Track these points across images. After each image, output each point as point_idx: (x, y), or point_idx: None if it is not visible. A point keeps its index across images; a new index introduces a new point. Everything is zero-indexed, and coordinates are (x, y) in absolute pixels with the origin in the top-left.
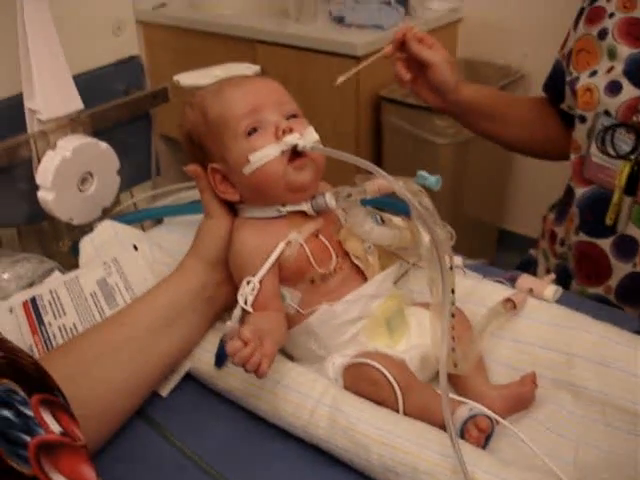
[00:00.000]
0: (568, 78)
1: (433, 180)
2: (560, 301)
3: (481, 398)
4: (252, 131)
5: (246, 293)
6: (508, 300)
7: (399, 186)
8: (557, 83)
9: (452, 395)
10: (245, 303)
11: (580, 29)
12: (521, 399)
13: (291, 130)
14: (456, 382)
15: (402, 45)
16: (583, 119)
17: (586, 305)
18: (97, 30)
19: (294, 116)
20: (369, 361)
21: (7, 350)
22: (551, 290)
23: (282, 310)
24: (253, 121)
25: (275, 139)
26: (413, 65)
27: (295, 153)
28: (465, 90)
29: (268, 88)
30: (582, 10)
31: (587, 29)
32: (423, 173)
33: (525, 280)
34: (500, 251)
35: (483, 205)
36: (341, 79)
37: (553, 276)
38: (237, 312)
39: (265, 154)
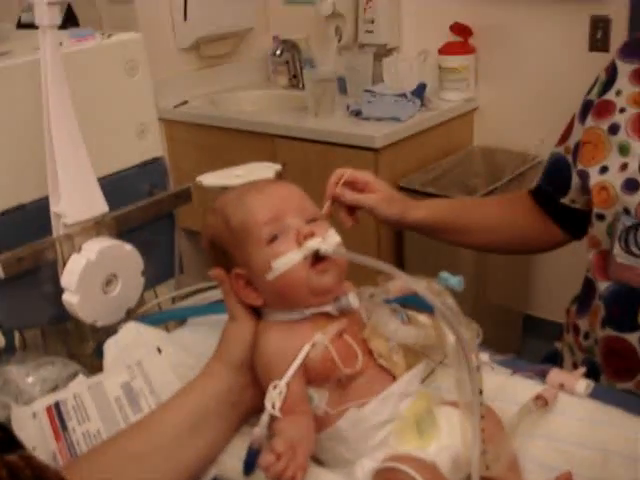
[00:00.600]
0: (575, 171)
1: (455, 281)
2: (592, 395)
3: None
4: (274, 238)
5: (273, 398)
6: (539, 397)
7: (421, 288)
8: (558, 178)
9: None
10: (273, 408)
11: (588, 122)
12: None
13: (312, 234)
14: None
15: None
16: (601, 217)
17: (618, 398)
18: (121, 133)
19: (314, 220)
20: (400, 465)
21: (34, 467)
22: (583, 384)
23: (310, 413)
24: (274, 227)
25: (297, 244)
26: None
27: (317, 257)
28: (415, 214)
29: (289, 194)
30: (588, 103)
31: (596, 122)
32: (445, 274)
33: (556, 375)
34: (526, 337)
35: (507, 291)
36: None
37: (584, 369)
38: (265, 417)
39: (288, 260)
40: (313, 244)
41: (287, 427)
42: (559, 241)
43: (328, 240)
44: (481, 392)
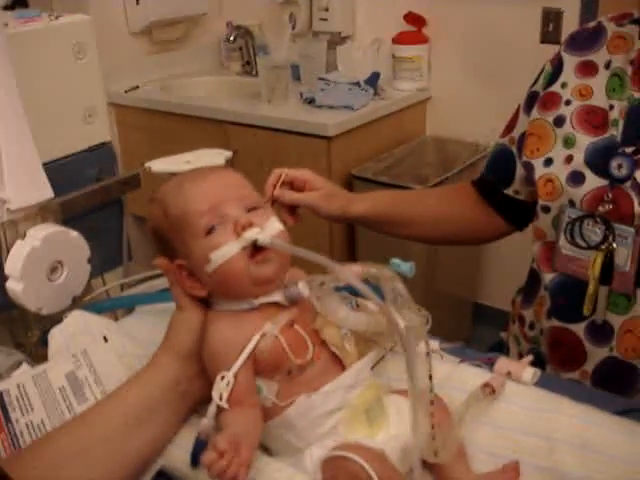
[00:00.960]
0: (520, 162)
1: (407, 267)
2: (538, 383)
3: None
4: (212, 229)
5: (221, 389)
6: (487, 385)
7: (355, 280)
8: (502, 169)
9: None
10: (220, 399)
11: (534, 113)
12: None
13: (251, 224)
14: (438, 471)
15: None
16: (547, 209)
17: (564, 386)
18: (68, 117)
19: (256, 208)
20: (349, 454)
21: None
22: (529, 373)
23: (257, 405)
24: (212, 218)
25: (235, 235)
26: None
27: (257, 247)
28: (356, 208)
29: (228, 182)
30: (534, 94)
31: (541, 114)
32: (396, 260)
33: (503, 363)
34: (476, 325)
35: (458, 280)
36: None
37: (530, 358)
38: (212, 408)
39: (225, 252)
40: (251, 235)
41: (233, 421)
42: (502, 232)
43: (267, 230)
44: (431, 378)
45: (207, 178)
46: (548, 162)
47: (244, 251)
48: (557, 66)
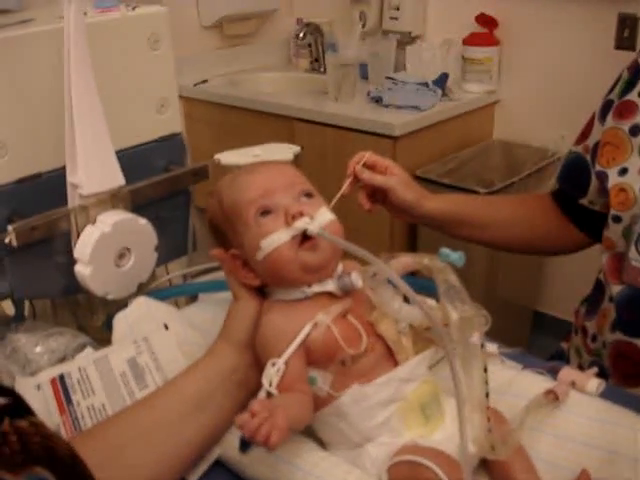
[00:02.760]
0: (594, 171)
1: (456, 256)
2: (603, 395)
3: None
4: (263, 215)
5: (271, 375)
6: (550, 392)
7: (394, 274)
8: (576, 177)
9: None
10: (270, 385)
11: (609, 122)
12: None
13: (301, 214)
14: (504, 478)
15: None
16: (618, 219)
17: (629, 399)
18: (141, 107)
19: (309, 195)
20: (420, 459)
21: (44, 435)
22: (594, 383)
23: (308, 392)
24: (263, 206)
25: (285, 224)
26: (377, 189)
27: (306, 236)
28: (430, 203)
29: (280, 172)
30: (609, 102)
31: (617, 123)
32: (445, 250)
33: (567, 372)
34: (535, 334)
35: (518, 287)
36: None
37: (596, 369)
38: (262, 394)
39: (275, 240)
40: (301, 224)
41: (277, 398)
42: (579, 243)
43: (318, 219)
44: (485, 370)
45: (260, 170)
46: (623, 172)
47: (293, 239)
48: (634, 74)
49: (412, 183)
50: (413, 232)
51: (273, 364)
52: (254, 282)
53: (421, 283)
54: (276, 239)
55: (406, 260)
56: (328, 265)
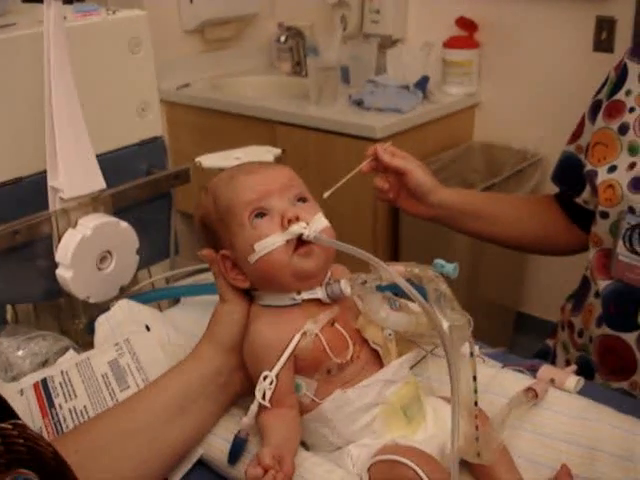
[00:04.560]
0: (585, 171)
1: (450, 268)
2: (582, 392)
3: None
4: (258, 217)
5: (264, 388)
6: (530, 389)
7: (399, 277)
8: (571, 177)
9: None
10: (263, 398)
11: (599, 122)
12: None
13: (297, 218)
14: (486, 478)
15: (378, 162)
16: (605, 215)
17: (609, 396)
18: (122, 110)
19: (304, 200)
20: (400, 458)
21: (27, 437)
22: (573, 381)
23: (296, 405)
24: (259, 209)
25: (281, 227)
26: (391, 180)
27: (301, 241)
28: (447, 191)
29: (278, 175)
30: (598, 103)
31: (606, 123)
32: (440, 261)
33: (546, 370)
34: (518, 334)
35: (500, 288)
36: (327, 193)
37: (574, 367)
38: (254, 407)
39: (269, 243)
40: (297, 228)
41: (274, 427)
42: (585, 243)
43: (313, 225)
44: (475, 378)
45: (258, 171)
46: (612, 169)
47: (288, 244)
48: (621, 74)
49: (429, 171)
50: (395, 232)
51: (265, 377)
52: (243, 284)
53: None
54: (270, 242)
55: (397, 268)
56: (320, 273)
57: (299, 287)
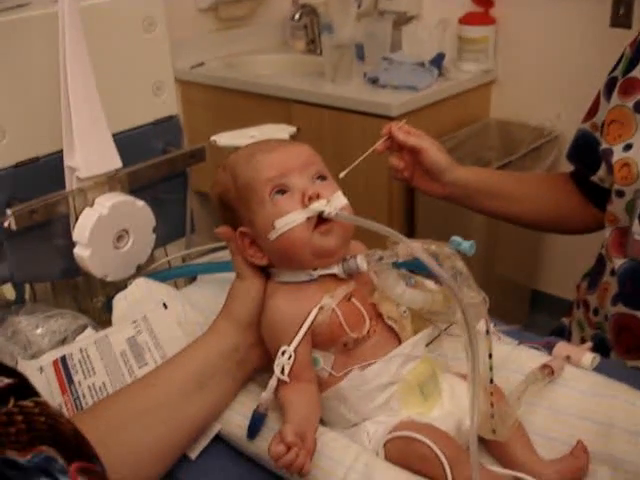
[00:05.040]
0: (600, 149)
1: (467, 245)
2: (598, 369)
3: (537, 474)
4: (278, 194)
5: (283, 362)
6: (546, 366)
7: (422, 253)
8: (586, 155)
9: (507, 470)
10: (282, 373)
11: (614, 100)
12: (577, 473)
13: (318, 196)
14: (501, 455)
15: (393, 141)
16: (621, 193)
17: (624, 374)
18: (137, 89)
19: (323, 178)
20: (415, 435)
21: (48, 415)
22: (589, 357)
23: (314, 379)
24: (279, 186)
25: (301, 205)
26: (406, 159)
27: (321, 219)
28: (462, 169)
29: (299, 152)
30: (613, 80)
31: (622, 100)
32: (457, 238)
33: (562, 347)
34: (533, 312)
35: (516, 266)
36: (343, 173)
37: (590, 344)
38: (272, 382)
39: (290, 220)
40: (318, 206)
41: (295, 402)
42: (601, 222)
43: (333, 202)
44: (490, 356)
45: (278, 148)
46: (628, 147)
47: (309, 221)
48: (637, 51)
49: (444, 149)
50: (410, 209)
51: (283, 352)
52: (261, 261)
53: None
54: (291, 219)
55: (415, 245)
56: (339, 251)
57: (318, 264)
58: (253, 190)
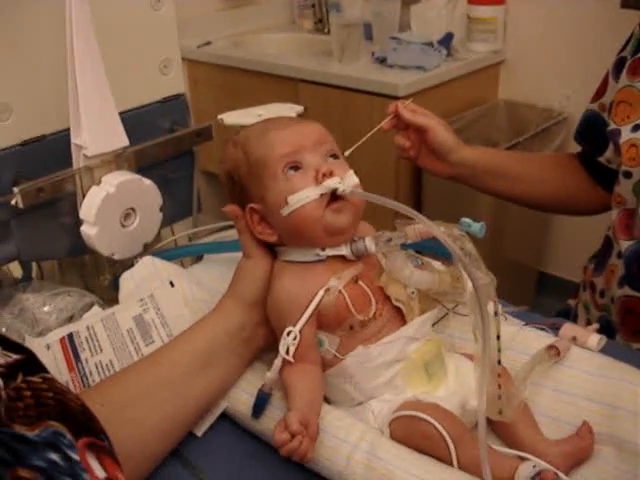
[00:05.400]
0: (608, 130)
1: (477, 227)
2: (604, 350)
3: (542, 455)
4: (291, 169)
5: (288, 343)
6: (552, 347)
7: (440, 232)
8: (594, 135)
9: (512, 450)
10: (287, 353)
11: (622, 80)
12: (582, 454)
13: (331, 173)
14: (507, 435)
15: (399, 119)
16: (629, 174)
17: (630, 355)
18: (144, 68)
19: (334, 157)
20: (420, 414)
21: (56, 391)
22: (595, 339)
23: (318, 360)
24: (293, 161)
25: (315, 182)
26: (413, 137)
27: (334, 197)
28: (469, 149)
29: (310, 129)
30: (622, 60)
31: (630, 80)
32: (467, 220)
33: (569, 328)
34: (540, 295)
35: (523, 248)
36: (348, 152)
37: (597, 325)
38: (277, 362)
39: (304, 196)
40: (331, 183)
41: (298, 383)
42: (608, 203)
43: (347, 180)
44: (499, 337)
45: (291, 125)
46: (636, 128)
47: (322, 198)
48: None
49: (450, 128)
50: (418, 189)
51: (288, 333)
52: (270, 238)
53: (434, 247)
54: (305, 195)
55: (422, 227)
56: (350, 229)
57: (328, 242)
58: (266, 166)
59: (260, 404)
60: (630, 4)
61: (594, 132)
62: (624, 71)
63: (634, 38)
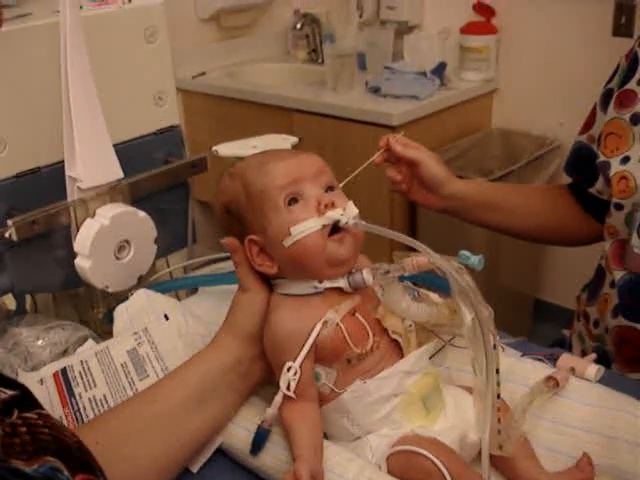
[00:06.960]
0: (597, 162)
1: (475, 260)
2: (602, 381)
3: None
4: (292, 201)
5: (288, 379)
6: (550, 378)
7: (444, 263)
8: (583, 167)
9: None
10: (288, 389)
11: (610, 112)
12: None
13: (333, 204)
14: (505, 468)
15: (390, 153)
16: (620, 206)
17: (628, 385)
18: (139, 100)
19: (332, 188)
20: (418, 449)
21: (52, 427)
22: (593, 369)
23: (316, 397)
24: (293, 192)
25: (317, 213)
26: (404, 171)
27: (335, 228)
28: (460, 182)
29: (310, 161)
30: (609, 92)
31: (618, 112)
32: (465, 253)
33: (566, 359)
34: (537, 322)
35: (519, 275)
36: (340, 185)
37: (594, 355)
38: (278, 398)
39: (307, 227)
40: (334, 214)
41: (300, 427)
42: (599, 234)
43: (348, 212)
44: (497, 371)
45: (290, 157)
46: (625, 160)
47: (323, 230)
48: (632, 63)
49: (442, 161)
50: (413, 219)
51: (289, 368)
52: (270, 270)
53: (432, 280)
54: (308, 226)
55: (421, 259)
56: (352, 260)
57: (329, 274)
58: (267, 197)
59: (259, 440)
60: (621, 32)
61: (584, 164)
62: (611, 103)
63: (620, 69)
